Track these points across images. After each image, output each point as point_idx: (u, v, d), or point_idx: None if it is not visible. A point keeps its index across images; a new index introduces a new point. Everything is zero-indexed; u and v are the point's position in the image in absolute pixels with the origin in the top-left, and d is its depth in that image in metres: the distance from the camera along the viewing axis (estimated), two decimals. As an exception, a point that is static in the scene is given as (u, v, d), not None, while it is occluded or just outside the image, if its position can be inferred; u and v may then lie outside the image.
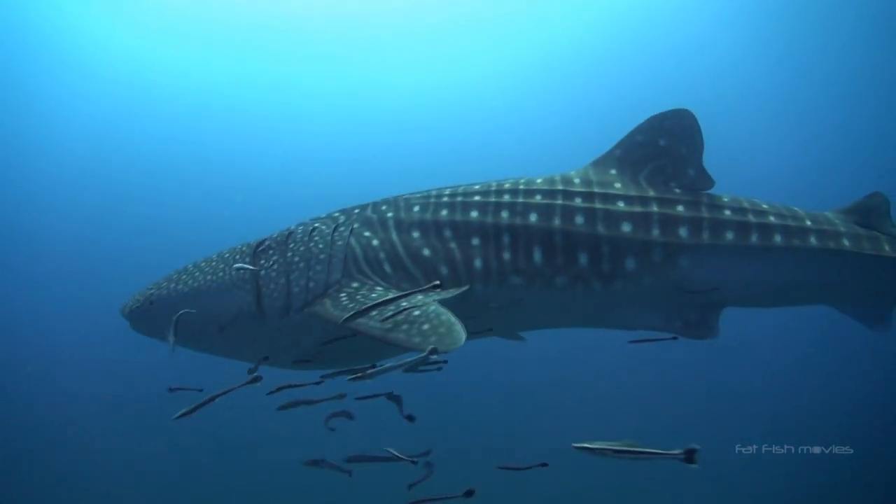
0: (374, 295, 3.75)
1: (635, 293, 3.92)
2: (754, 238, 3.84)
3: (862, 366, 15.75)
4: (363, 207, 4.47)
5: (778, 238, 3.84)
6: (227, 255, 4.47)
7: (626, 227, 3.85)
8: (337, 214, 4.53)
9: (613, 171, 4.19)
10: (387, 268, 4.03)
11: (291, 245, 4.28)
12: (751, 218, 3.89)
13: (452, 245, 4.01)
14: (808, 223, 3.92)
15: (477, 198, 4.14)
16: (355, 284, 3.94)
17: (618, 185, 4.07)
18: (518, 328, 4.64)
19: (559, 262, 3.88)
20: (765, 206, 4.01)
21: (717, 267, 3.87)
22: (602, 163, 4.28)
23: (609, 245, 3.85)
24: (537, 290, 3.91)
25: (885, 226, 3.99)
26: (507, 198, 4.07)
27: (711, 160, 4.18)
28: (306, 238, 4.29)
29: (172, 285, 4.48)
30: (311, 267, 4.10)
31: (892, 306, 4.02)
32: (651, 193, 4.01)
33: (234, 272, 4.25)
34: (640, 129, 4.26)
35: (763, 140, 20.04)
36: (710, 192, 4.18)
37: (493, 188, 4.20)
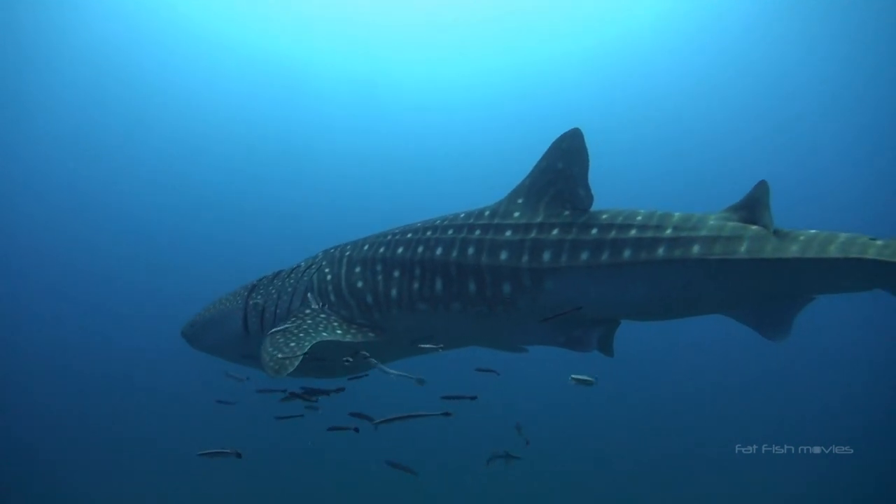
0: (310, 321, 4.64)
1: (516, 315, 4.19)
2: (605, 256, 3.83)
3: (862, 366, 15.78)
4: (336, 247, 5.33)
5: (627, 253, 3.78)
6: (239, 288, 5.71)
7: (503, 256, 4.15)
8: (320, 253, 5.44)
9: (520, 201, 4.41)
10: (332, 297, 4.86)
11: (275, 281, 5.38)
12: (612, 235, 3.87)
13: (379, 278, 4.69)
14: (668, 232, 3.74)
15: (409, 235, 4.74)
16: (308, 311, 4.82)
17: (517, 214, 4.32)
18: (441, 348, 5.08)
19: (454, 290, 4.32)
20: (639, 218, 3.91)
21: (576, 287, 3.93)
22: (515, 193, 4.51)
23: (490, 273, 4.18)
24: (440, 315, 4.40)
25: (765, 218, 3.63)
26: (428, 234, 4.60)
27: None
28: (285, 275, 5.37)
29: (205, 312, 5.85)
30: (280, 297, 5.15)
31: (792, 310, 3.67)
32: (538, 220, 4.20)
33: (231, 303, 5.54)
34: (544, 156, 4.38)
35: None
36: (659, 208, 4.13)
37: (423, 227, 4.75)
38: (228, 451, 4.03)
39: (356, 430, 4.19)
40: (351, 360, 4.36)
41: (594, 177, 4.23)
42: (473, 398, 4.17)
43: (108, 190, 21.75)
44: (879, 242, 3.28)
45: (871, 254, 3.22)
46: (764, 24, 18.47)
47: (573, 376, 3.59)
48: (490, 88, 22.45)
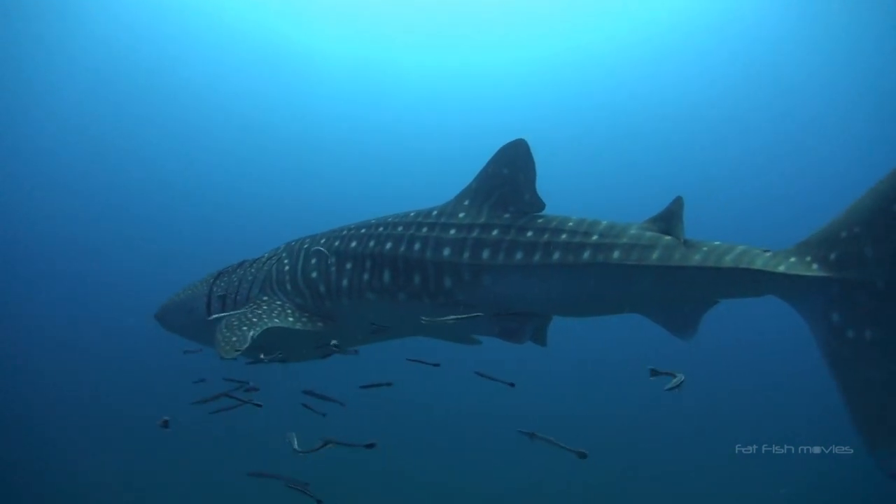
0: (265, 307, 5.03)
1: (456, 307, 4.47)
2: (537, 257, 4.20)
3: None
4: (297, 240, 5.69)
5: (556, 255, 4.14)
6: (207, 275, 6.08)
7: (445, 252, 4.49)
8: (282, 246, 5.78)
9: (467, 202, 4.75)
10: (288, 286, 5.26)
11: (239, 270, 5.81)
12: (545, 237, 4.23)
13: (333, 269, 5.03)
14: (594, 238, 4.10)
15: (363, 230, 5.06)
16: (265, 298, 5.24)
17: (462, 214, 4.67)
18: (384, 337, 5.34)
19: (401, 282, 4.66)
20: (570, 224, 4.25)
21: (511, 284, 4.29)
22: (462, 194, 4.86)
23: (433, 267, 4.52)
24: (386, 304, 4.74)
25: (678, 229, 3.97)
26: (380, 230, 4.94)
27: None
28: (248, 264, 5.79)
29: (175, 296, 6.21)
30: (241, 284, 5.57)
31: (698, 312, 3.96)
32: (481, 220, 4.53)
33: (198, 288, 5.93)
34: (491, 161, 4.71)
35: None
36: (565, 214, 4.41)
37: (376, 223, 5.07)
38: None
39: (339, 405, 4.24)
40: (334, 347, 4.49)
41: (596, 177, 4.27)
42: (389, 384, 4.29)
43: (105, 179, 21.78)
44: (768, 254, 3.64)
45: (757, 264, 3.59)
46: (765, 26, 18.51)
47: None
48: (488, 85, 22.51)
